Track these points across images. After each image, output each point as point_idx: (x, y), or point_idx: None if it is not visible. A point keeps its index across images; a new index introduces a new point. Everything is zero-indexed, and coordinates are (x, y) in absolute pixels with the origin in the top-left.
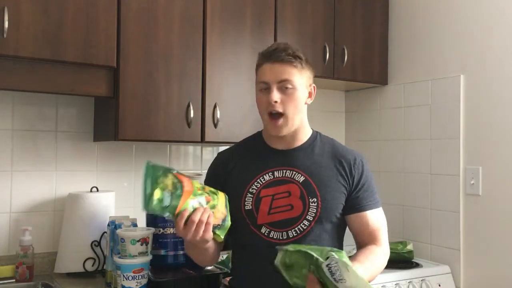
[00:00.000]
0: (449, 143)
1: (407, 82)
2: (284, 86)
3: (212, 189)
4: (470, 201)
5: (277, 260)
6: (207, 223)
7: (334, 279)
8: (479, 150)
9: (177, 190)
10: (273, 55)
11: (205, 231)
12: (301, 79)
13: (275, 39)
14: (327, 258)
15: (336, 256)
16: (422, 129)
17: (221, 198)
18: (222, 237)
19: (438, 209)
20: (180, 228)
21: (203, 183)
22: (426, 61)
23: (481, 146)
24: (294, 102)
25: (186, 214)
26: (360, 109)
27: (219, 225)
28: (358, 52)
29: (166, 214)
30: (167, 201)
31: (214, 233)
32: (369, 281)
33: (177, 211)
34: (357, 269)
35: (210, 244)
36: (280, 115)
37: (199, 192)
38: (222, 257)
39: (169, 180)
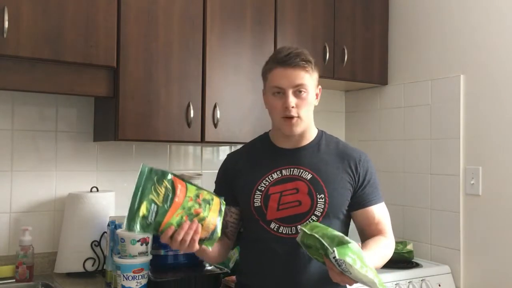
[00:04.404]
0: (449, 143)
1: (407, 82)
2: (298, 91)
3: (207, 196)
4: (470, 201)
5: (299, 238)
6: (191, 240)
7: (342, 269)
8: (479, 150)
9: (166, 203)
10: (287, 61)
11: (189, 246)
12: (312, 82)
13: (275, 39)
14: (336, 248)
15: (341, 259)
16: (422, 129)
17: (214, 207)
18: (211, 248)
19: (438, 209)
20: (165, 241)
21: (203, 183)
22: (426, 61)
23: (481, 146)
24: (307, 105)
25: (170, 232)
26: (360, 109)
27: (207, 237)
28: (358, 52)
29: (148, 233)
30: (151, 217)
31: (202, 243)
32: (378, 267)
33: (160, 229)
34: (362, 267)
35: (205, 248)
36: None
37: (190, 203)
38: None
39: (162, 189)
